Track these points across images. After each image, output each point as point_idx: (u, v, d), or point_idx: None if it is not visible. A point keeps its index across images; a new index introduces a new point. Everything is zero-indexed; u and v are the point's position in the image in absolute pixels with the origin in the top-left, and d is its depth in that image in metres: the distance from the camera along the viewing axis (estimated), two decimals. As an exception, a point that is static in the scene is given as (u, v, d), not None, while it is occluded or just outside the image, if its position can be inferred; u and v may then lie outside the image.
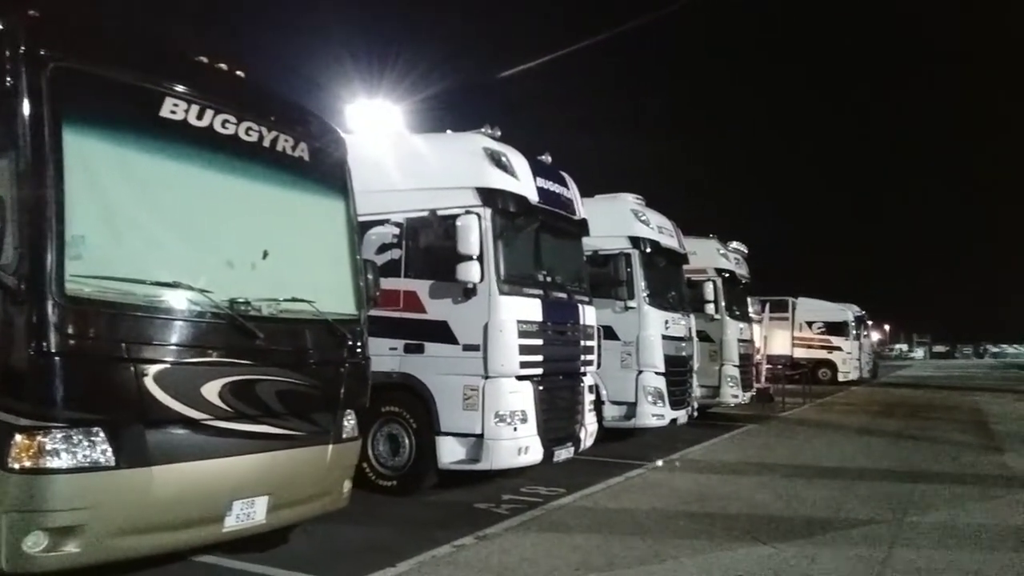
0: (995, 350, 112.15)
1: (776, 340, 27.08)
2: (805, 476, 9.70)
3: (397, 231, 8.26)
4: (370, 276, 6.20)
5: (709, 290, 15.24)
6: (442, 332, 7.91)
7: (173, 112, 4.89)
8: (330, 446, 5.57)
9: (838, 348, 32.21)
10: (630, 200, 12.61)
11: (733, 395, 15.88)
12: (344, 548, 6.03)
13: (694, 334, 13.69)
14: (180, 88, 4.95)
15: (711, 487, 8.86)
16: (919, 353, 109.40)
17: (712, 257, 15.93)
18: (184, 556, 5.35)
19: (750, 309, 18.60)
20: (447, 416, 7.79)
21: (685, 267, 13.98)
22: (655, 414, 11.73)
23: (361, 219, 6.48)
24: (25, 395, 4.11)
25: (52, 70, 4.34)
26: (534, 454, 8.00)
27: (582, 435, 9.00)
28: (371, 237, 8.11)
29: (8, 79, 4.31)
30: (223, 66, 5.55)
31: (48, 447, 4.06)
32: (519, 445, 7.83)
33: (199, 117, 5.02)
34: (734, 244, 17.64)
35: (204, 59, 5.47)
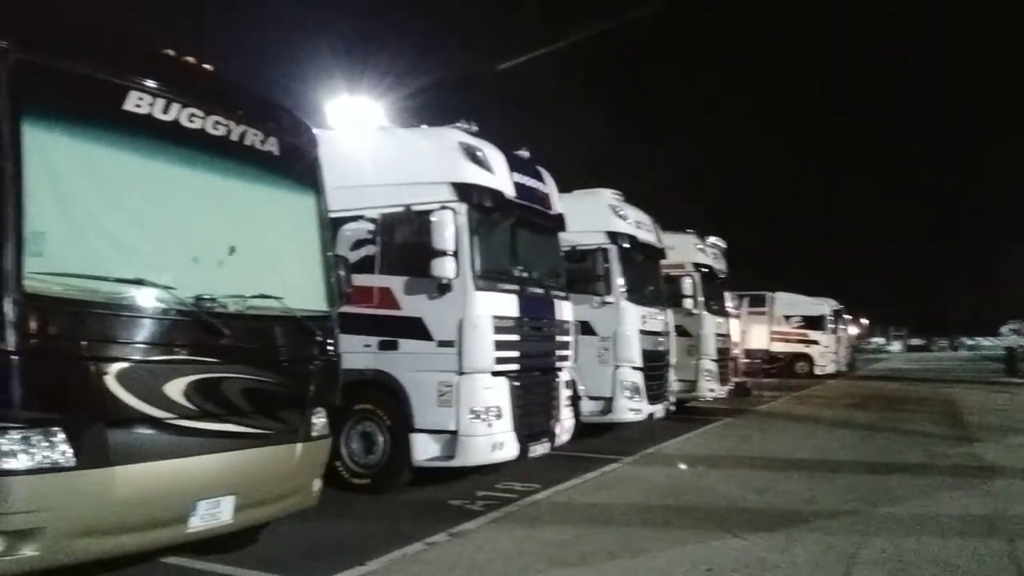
0: (970, 343, 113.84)
1: (754, 334, 27.28)
2: (780, 469, 9.77)
3: (372, 227, 8.18)
4: (342, 272, 6.13)
5: (687, 285, 15.31)
6: (417, 328, 7.86)
7: (138, 106, 4.78)
8: (299, 444, 5.50)
9: (815, 342, 32.50)
10: (608, 195, 12.60)
11: (710, 389, 15.97)
12: (314, 547, 5.99)
13: (672, 329, 13.73)
14: (145, 81, 4.84)
15: (686, 481, 8.91)
16: (896, 346, 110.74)
17: (690, 252, 15.99)
18: (150, 557, 5.28)
19: (728, 304, 18.69)
20: (421, 413, 7.74)
21: (663, 262, 14.02)
22: (632, 408, 11.75)
23: (335, 215, 6.43)
24: None
25: (12, 62, 4.23)
26: (509, 450, 7.98)
27: (558, 430, 9.00)
28: (345, 233, 8.03)
29: (-35, 72, 4.19)
30: (190, 59, 5.45)
31: (4, 448, 3.95)
32: (494, 441, 7.80)
33: (165, 111, 4.91)
34: (712, 239, 17.71)
35: (171, 52, 5.36)
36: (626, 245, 12.08)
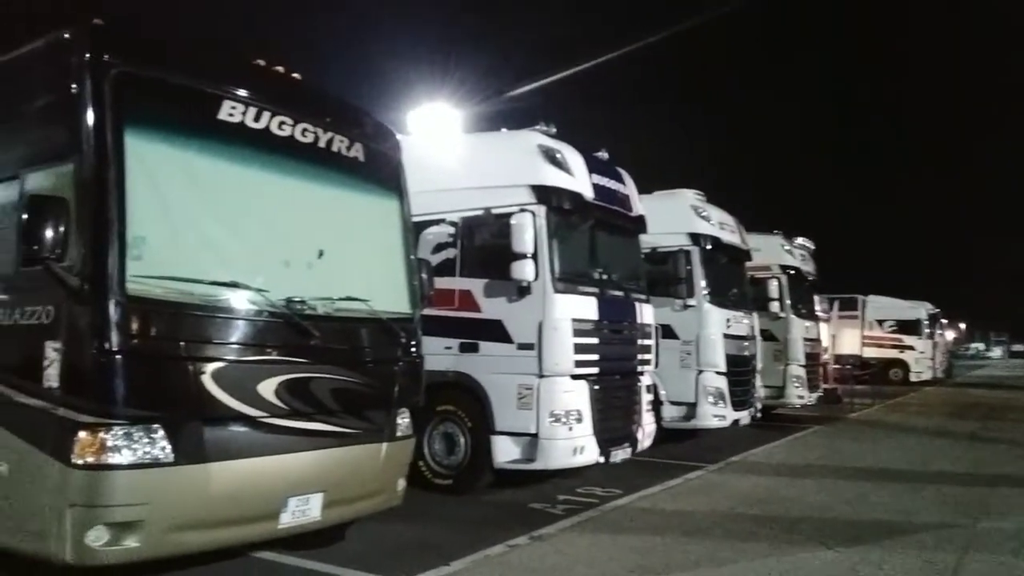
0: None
1: (845, 339, 26.29)
2: (873, 479, 9.35)
3: (452, 230, 8.27)
4: (424, 275, 6.21)
5: (773, 287, 14.83)
6: (497, 331, 7.89)
7: (231, 115, 4.97)
8: (384, 444, 5.60)
9: (910, 347, 31.04)
10: (690, 196, 12.36)
11: (799, 396, 15.41)
12: (398, 546, 6.06)
13: (757, 333, 13.33)
14: (238, 91, 5.04)
15: (773, 489, 8.62)
16: (997, 352, 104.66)
17: (776, 253, 15.49)
18: (242, 552, 5.46)
19: (817, 307, 18.04)
20: (502, 415, 7.76)
21: (748, 264, 13.64)
22: (716, 415, 11.47)
23: (417, 219, 6.51)
24: (88, 393, 4.21)
25: (114, 76, 4.46)
26: (590, 454, 7.91)
27: (639, 435, 8.87)
28: (427, 237, 8.14)
29: (73, 85, 4.45)
30: (279, 69, 5.64)
31: (110, 443, 4.16)
32: (574, 445, 7.75)
33: (256, 119, 5.09)
34: (800, 240, 17.13)
35: (261, 62, 5.56)
36: (709, 247, 11.81)
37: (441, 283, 7.09)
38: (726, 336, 11.76)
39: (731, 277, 12.84)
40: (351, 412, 5.34)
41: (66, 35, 4.66)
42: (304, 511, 5.02)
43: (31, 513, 4.31)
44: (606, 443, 8.11)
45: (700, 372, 11.42)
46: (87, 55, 4.48)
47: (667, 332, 10.85)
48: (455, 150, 8.89)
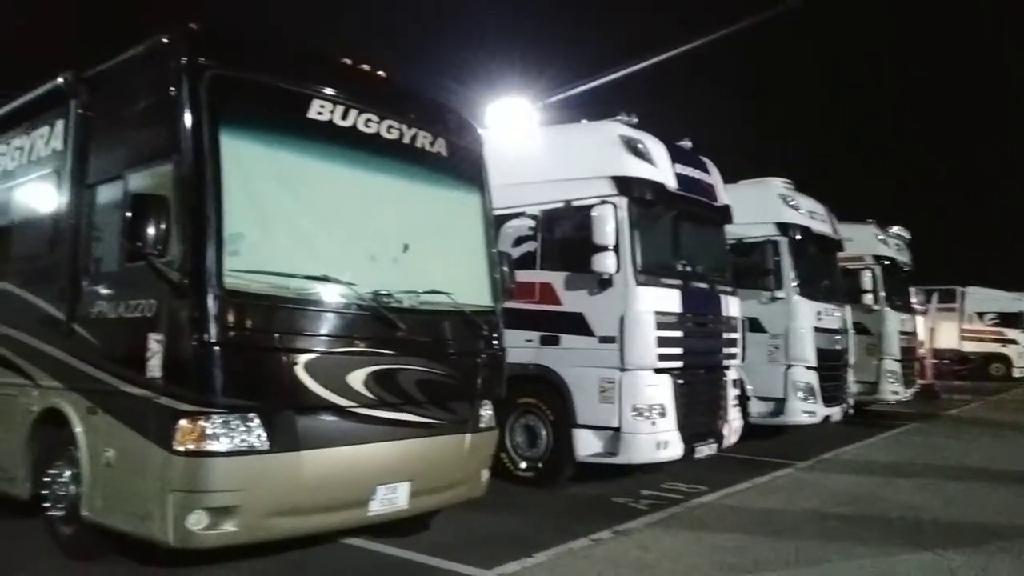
0: None
1: (943, 332, 24.99)
2: (974, 479, 8.88)
3: (533, 223, 8.27)
4: (505, 268, 6.25)
5: (867, 279, 14.20)
6: (578, 324, 7.85)
7: (320, 113, 5.11)
8: (468, 435, 5.67)
9: (1013, 341, 29.24)
10: (778, 184, 11.97)
11: (893, 392, 14.75)
12: (482, 536, 6.12)
13: (850, 326, 12.83)
14: (326, 90, 5.17)
15: (867, 488, 8.30)
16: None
17: (870, 243, 14.83)
18: (333, 538, 5.62)
19: (913, 299, 17.22)
20: (584, 408, 7.73)
21: (840, 255, 13.11)
22: (806, 411, 11.10)
23: (497, 212, 6.55)
24: (188, 382, 4.41)
25: (210, 77, 4.64)
26: (674, 449, 7.79)
27: (725, 431, 8.69)
28: (507, 230, 8.17)
29: (171, 88, 4.65)
30: (366, 67, 5.75)
31: (209, 431, 4.35)
32: (658, 440, 7.65)
33: (344, 117, 5.22)
34: (895, 229, 16.37)
35: (348, 61, 5.69)
36: (798, 237, 11.40)
37: (522, 276, 7.11)
38: (816, 329, 11.35)
39: (822, 268, 12.39)
40: (436, 403, 5.42)
41: (164, 40, 4.89)
42: (392, 499, 5.13)
43: (137, 497, 4.56)
44: (690, 438, 7.97)
45: (789, 367, 11.06)
46: (184, 59, 4.68)
47: (754, 325, 10.58)
48: (535, 143, 8.89)
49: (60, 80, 5.54)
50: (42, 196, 5.85)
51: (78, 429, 5.03)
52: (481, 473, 5.92)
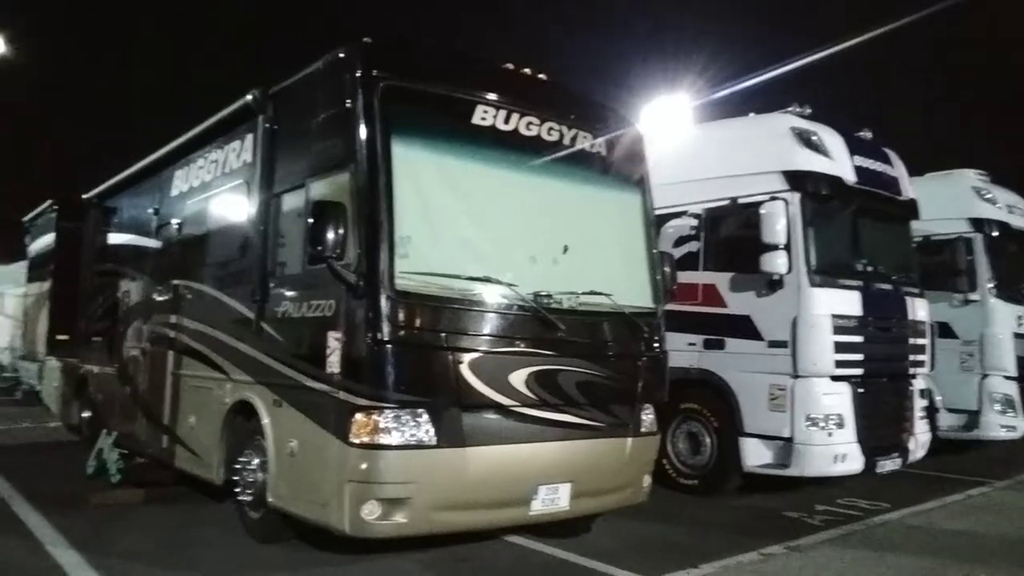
0: None
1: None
2: None
3: (695, 223, 8.03)
4: (667, 269, 6.10)
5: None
6: (745, 327, 7.52)
7: (483, 118, 5.23)
8: (629, 439, 5.58)
9: None
10: (971, 176, 10.86)
11: (1005, 426, 12.74)
12: (645, 543, 5.98)
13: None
14: (488, 95, 5.27)
15: (1085, 517, 7.34)
16: None
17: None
18: (495, 535, 5.70)
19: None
20: (752, 416, 7.38)
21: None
22: (1004, 425, 10.00)
23: (657, 212, 6.40)
24: (363, 378, 4.64)
25: (383, 88, 4.87)
26: (852, 463, 7.26)
27: (911, 445, 7.99)
28: (667, 230, 7.98)
29: (347, 100, 4.91)
30: (527, 71, 5.81)
31: (382, 425, 4.55)
32: (835, 452, 7.16)
33: (506, 121, 5.32)
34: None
35: (510, 66, 5.77)
36: (995, 233, 10.27)
37: (683, 277, 6.90)
38: (1017, 336, 10.20)
39: (1022, 268, 11.12)
40: (597, 405, 5.37)
41: (341, 55, 5.17)
42: (553, 500, 5.13)
43: (317, 486, 4.84)
44: (872, 451, 7.40)
45: (984, 376, 10.00)
46: (359, 72, 4.94)
47: (944, 331, 9.68)
48: (697, 140, 8.61)
49: (249, 97, 6.00)
50: (234, 205, 6.38)
51: (265, 420, 5.43)
52: (643, 479, 5.81)
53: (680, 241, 8.07)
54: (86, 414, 9.61)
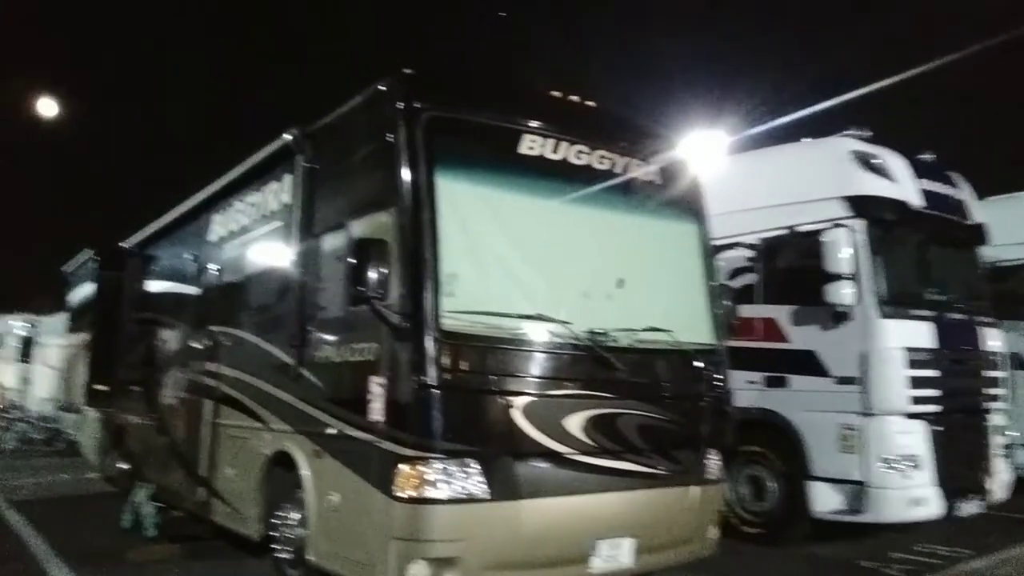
0: None
1: None
2: None
3: (751, 253, 7.64)
4: (727, 302, 5.74)
5: None
6: (809, 363, 7.06)
7: (531, 148, 4.98)
8: (694, 487, 5.17)
9: None
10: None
11: None
12: (714, 600, 5.53)
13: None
14: (536, 124, 5.03)
15: None
16: None
17: None
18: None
19: None
20: (819, 459, 6.89)
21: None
22: (1090, 463, 9.31)
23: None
24: (407, 426, 4.31)
25: (426, 120, 4.64)
26: (931, 507, 6.72)
27: (991, 486, 7.41)
28: (721, 262, 7.59)
29: (389, 133, 4.68)
30: (575, 98, 5.56)
31: (429, 477, 4.20)
32: (911, 496, 6.64)
33: (555, 150, 5.06)
34: None
35: (556, 93, 5.53)
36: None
37: (740, 311, 6.51)
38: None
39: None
40: (659, 451, 4.99)
41: (381, 87, 4.96)
42: (615, 556, 4.74)
43: (360, 543, 4.51)
44: (950, 494, 6.85)
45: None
46: (401, 103, 4.71)
47: (1019, 362, 9.09)
48: (750, 168, 8.26)
49: (287, 137, 5.82)
50: (273, 247, 6.18)
51: (304, 472, 5.13)
52: (709, 529, 5.38)
53: (736, 273, 7.66)
54: (124, 465, 9.43)
